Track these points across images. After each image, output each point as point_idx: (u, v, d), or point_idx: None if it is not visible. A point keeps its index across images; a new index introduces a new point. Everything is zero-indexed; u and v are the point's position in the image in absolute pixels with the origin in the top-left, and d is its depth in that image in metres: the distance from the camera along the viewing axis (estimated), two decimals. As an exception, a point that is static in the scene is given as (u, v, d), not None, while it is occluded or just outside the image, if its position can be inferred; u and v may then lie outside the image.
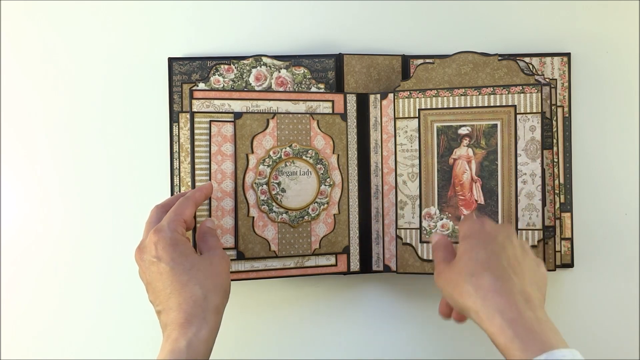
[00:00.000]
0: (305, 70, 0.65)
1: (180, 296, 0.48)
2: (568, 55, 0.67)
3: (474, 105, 0.62)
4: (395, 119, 0.64)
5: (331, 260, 0.63)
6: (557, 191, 0.66)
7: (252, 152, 0.61)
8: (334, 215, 0.63)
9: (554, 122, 0.65)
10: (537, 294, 0.46)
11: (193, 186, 0.60)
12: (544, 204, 0.61)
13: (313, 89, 0.64)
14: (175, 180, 0.65)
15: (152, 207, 0.56)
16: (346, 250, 0.64)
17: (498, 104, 0.61)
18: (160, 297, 0.49)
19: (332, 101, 0.64)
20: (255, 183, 0.61)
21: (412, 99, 0.63)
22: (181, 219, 0.52)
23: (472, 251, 0.48)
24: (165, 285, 0.49)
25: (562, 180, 0.67)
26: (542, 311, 0.45)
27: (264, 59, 0.64)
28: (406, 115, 0.63)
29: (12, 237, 0.67)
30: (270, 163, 0.62)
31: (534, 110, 0.61)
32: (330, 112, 0.64)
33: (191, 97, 0.61)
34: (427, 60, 0.65)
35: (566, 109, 0.67)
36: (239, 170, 0.61)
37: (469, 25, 0.69)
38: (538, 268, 0.49)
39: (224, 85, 0.64)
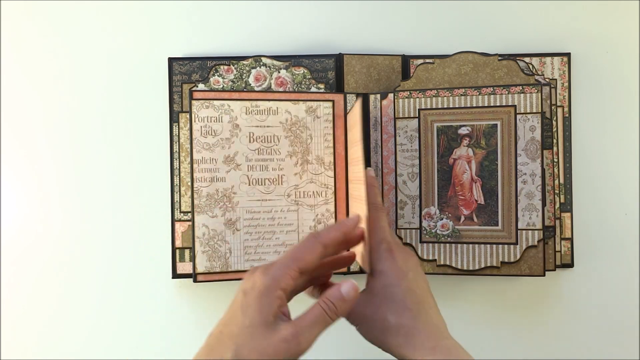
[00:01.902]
0: (305, 71, 0.65)
1: (212, 350, 0.41)
2: (568, 55, 0.67)
3: (474, 105, 0.62)
4: (395, 119, 0.63)
5: (331, 260, 0.63)
6: (557, 191, 0.66)
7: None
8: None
9: (554, 122, 0.65)
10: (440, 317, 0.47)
11: (192, 186, 0.60)
12: (544, 204, 0.61)
13: (313, 89, 0.64)
14: (175, 180, 0.65)
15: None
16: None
17: (498, 104, 0.61)
18: (223, 318, 0.42)
19: (333, 101, 0.64)
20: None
21: (412, 99, 0.63)
22: (295, 269, 0.42)
23: (389, 288, 0.46)
24: (230, 318, 0.41)
25: (562, 180, 0.67)
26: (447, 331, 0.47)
27: (264, 60, 0.64)
28: (406, 115, 0.63)
29: (12, 237, 0.67)
30: (270, 163, 0.62)
31: (534, 110, 0.61)
32: (331, 112, 0.64)
33: (191, 98, 0.61)
34: (427, 60, 0.65)
35: (566, 109, 0.67)
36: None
37: (469, 26, 0.69)
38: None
39: (223, 86, 0.64)
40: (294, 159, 0.63)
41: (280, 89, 0.64)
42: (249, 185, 0.62)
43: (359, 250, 0.49)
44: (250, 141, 0.62)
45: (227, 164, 0.62)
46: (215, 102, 0.62)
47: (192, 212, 0.60)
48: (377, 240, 0.47)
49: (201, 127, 0.61)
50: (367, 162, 0.64)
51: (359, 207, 0.52)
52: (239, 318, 0.40)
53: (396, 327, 0.45)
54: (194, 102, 0.61)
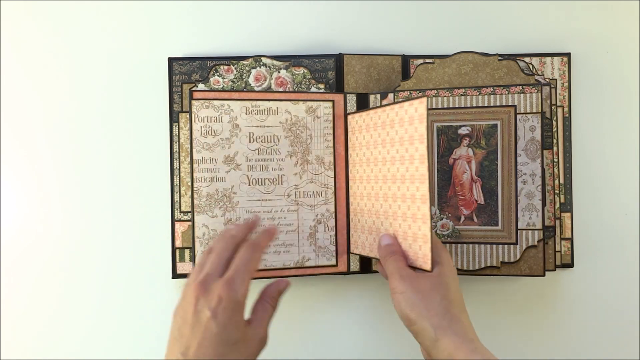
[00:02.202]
0: (305, 71, 0.65)
1: None
2: (568, 55, 0.67)
3: (474, 105, 0.62)
4: (395, 119, 0.63)
5: (331, 260, 0.63)
6: (557, 191, 0.66)
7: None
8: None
9: (554, 122, 0.65)
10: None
11: (192, 186, 0.60)
12: (544, 204, 0.61)
13: (313, 89, 0.64)
14: (175, 180, 0.65)
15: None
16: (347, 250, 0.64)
17: (498, 104, 0.61)
18: (190, 346, 0.47)
19: (332, 101, 0.64)
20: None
21: (412, 99, 0.63)
22: (251, 277, 0.49)
23: (444, 277, 0.52)
24: (202, 342, 0.46)
25: (562, 180, 0.67)
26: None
27: (264, 60, 0.64)
28: (406, 115, 0.63)
29: (12, 237, 0.67)
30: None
31: (534, 110, 0.60)
32: (331, 112, 0.64)
33: (191, 98, 0.61)
34: (427, 60, 0.65)
35: (566, 109, 0.67)
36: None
37: (469, 26, 0.69)
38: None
39: (223, 86, 0.64)
40: (294, 159, 0.63)
41: (280, 89, 0.64)
42: (249, 185, 0.62)
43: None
44: (250, 141, 0.62)
45: (227, 164, 0.62)
46: (215, 102, 0.62)
47: (192, 212, 0.60)
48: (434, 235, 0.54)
49: (201, 127, 0.61)
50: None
51: (403, 205, 0.55)
52: (223, 337, 0.46)
53: (444, 311, 0.49)
54: (194, 102, 0.61)
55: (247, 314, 0.49)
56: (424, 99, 0.51)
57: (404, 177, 0.55)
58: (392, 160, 0.56)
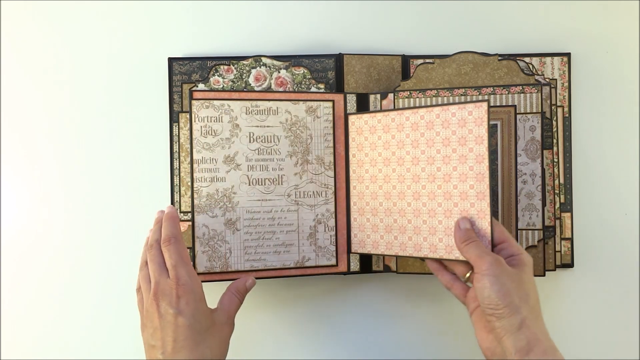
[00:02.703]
0: (305, 71, 0.65)
1: (191, 354, 0.50)
2: (568, 55, 0.67)
3: (460, 102, 0.61)
4: (395, 119, 0.63)
5: (332, 260, 0.63)
6: (557, 191, 0.66)
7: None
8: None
9: (554, 122, 0.65)
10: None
11: (192, 186, 0.60)
12: (544, 204, 0.61)
13: (313, 89, 0.64)
14: (175, 180, 0.65)
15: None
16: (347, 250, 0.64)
17: (498, 104, 0.61)
18: (167, 345, 0.50)
19: (333, 101, 0.64)
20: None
21: (412, 99, 0.63)
22: (191, 265, 0.54)
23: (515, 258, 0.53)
24: (177, 337, 0.50)
25: (562, 181, 0.67)
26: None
27: (264, 60, 0.64)
28: (406, 115, 0.63)
29: (12, 237, 0.67)
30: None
31: (534, 110, 0.61)
32: (331, 112, 0.64)
33: (191, 98, 0.61)
34: (427, 60, 0.65)
35: (566, 109, 0.67)
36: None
37: (469, 26, 0.69)
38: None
39: (223, 86, 0.64)
40: (294, 159, 0.63)
41: (280, 89, 0.64)
42: (249, 185, 0.62)
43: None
44: (250, 141, 0.62)
45: (227, 164, 0.62)
46: (215, 102, 0.61)
47: (192, 212, 0.60)
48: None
49: (201, 127, 0.61)
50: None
51: (447, 203, 0.57)
52: (196, 327, 0.51)
53: (532, 305, 0.50)
54: (194, 102, 0.61)
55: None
56: (483, 104, 0.54)
57: (449, 175, 0.56)
58: (430, 160, 0.57)
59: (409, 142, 0.59)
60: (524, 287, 0.50)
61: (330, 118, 0.64)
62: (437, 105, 0.58)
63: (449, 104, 0.57)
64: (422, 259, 0.63)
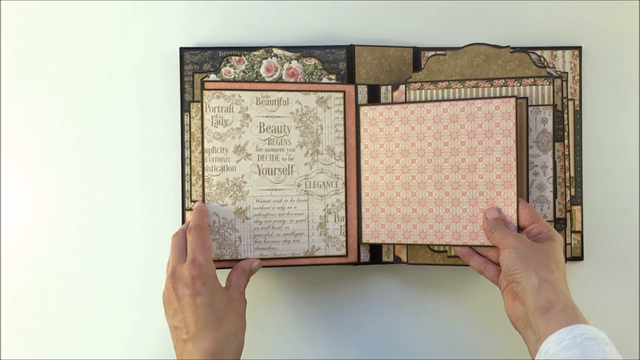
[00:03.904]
0: (316, 61, 0.65)
1: (216, 330, 0.52)
2: (579, 48, 0.67)
3: (486, 96, 0.61)
4: (406, 110, 0.64)
5: (341, 250, 0.63)
6: (567, 184, 0.65)
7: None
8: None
9: (565, 115, 0.65)
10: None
11: (203, 175, 0.60)
12: (555, 196, 0.61)
13: (324, 80, 0.64)
14: (186, 170, 0.65)
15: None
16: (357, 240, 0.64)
17: (510, 96, 0.61)
18: (191, 326, 0.52)
19: (344, 92, 0.64)
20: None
21: (423, 91, 0.63)
22: (209, 252, 0.56)
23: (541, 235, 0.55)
24: (198, 317, 0.52)
25: (572, 173, 0.67)
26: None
27: (275, 50, 0.64)
28: (417, 107, 0.63)
29: (16, 229, 0.67)
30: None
31: (546, 103, 0.60)
32: (342, 102, 0.64)
33: (202, 88, 0.61)
34: (439, 52, 0.65)
35: (577, 103, 0.67)
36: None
37: (480, 19, 0.69)
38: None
39: (234, 77, 0.64)
40: (304, 149, 0.63)
41: (291, 80, 0.64)
42: (259, 174, 0.62)
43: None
44: (260, 131, 0.62)
45: (237, 154, 0.62)
46: (226, 93, 0.62)
47: (203, 200, 0.60)
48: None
49: (212, 117, 0.61)
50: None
51: (471, 192, 0.59)
52: (216, 305, 0.54)
53: (552, 269, 0.52)
54: (205, 92, 0.61)
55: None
56: (511, 100, 0.57)
57: (474, 166, 0.59)
58: (454, 151, 0.60)
59: (431, 134, 0.61)
60: (545, 255, 0.52)
61: (341, 109, 0.64)
62: (461, 99, 0.60)
63: (474, 98, 0.59)
64: (441, 248, 0.63)
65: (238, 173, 0.62)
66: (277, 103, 0.63)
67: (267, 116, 0.62)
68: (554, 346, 0.46)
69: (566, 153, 0.66)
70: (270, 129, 0.62)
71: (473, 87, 0.62)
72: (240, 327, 0.55)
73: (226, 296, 0.55)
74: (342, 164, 0.64)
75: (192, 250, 0.55)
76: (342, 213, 0.64)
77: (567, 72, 0.67)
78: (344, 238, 0.64)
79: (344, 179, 0.64)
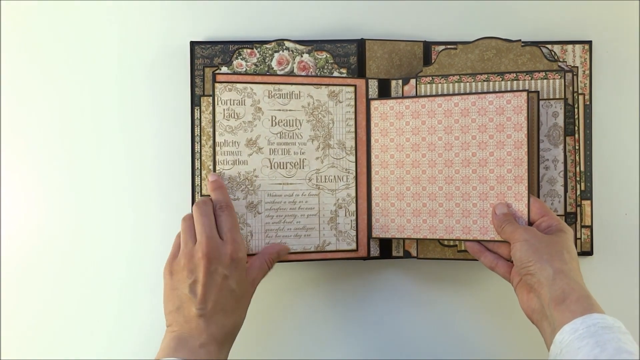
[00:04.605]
0: (328, 55, 0.65)
1: (226, 318, 0.53)
2: (589, 43, 0.67)
3: (497, 90, 0.61)
4: (417, 104, 0.64)
5: (352, 245, 0.64)
6: (578, 178, 0.66)
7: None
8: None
9: (576, 110, 0.65)
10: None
11: (214, 169, 0.60)
12: (565, 190, 0.61)
13: (335, 74, 0.64)
14: (196, 164, 0.65)
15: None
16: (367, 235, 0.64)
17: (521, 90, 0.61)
18: (209, 304, 0.52)
19: (355, 86, 0.64)
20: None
21: (434, 85, 0.63)
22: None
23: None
24: (219, 299, 0.53)
25: (582, 168, 0.67)
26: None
27: (287, 44, 0.64)
28: (428, 101, 0.63)
29: (20, 223, 0.67)
30: (293, 147, 0.63)
31: (557, 97, 0.60)
32: (353, 96, 0.64)
33: (214, 81, 0.61)
34: (450, 46, 0.65)
35: (587, 97, 0.67)
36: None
37: (490, 13, 0.69)
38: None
39: (246, 69, 0.64)
40: (316, 143, 0.63)
41: (303, 73, 0.64)
42: (271, 168, 0.62)
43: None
44: (272, 125, 0.62)
45: (249, 147, 0.62)
46: (238, 85, 0.62)
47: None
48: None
49: (224, 110, 0.61)
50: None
51: (482, 187, 0.59)
52: (238, 292, 0.54)
53: (565, 260, 0.52)
54: (217, 84, 0.61)
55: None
56: (523, 93, 0.58)
57: (484, 160, 0.59)
58: (464, 145, 0.60)
59: (442, 128, 0.60)
60: (557, 247, 0.52)
61: (352, 103, 0.64)
62: (472, 93, 0.60)
63: (485, 92, 0.59)
64: (451, 243, 0.63)
65: (250, 167, 0.62)
66: (289, 96, 0.63)
67: (279, 109, 0.62)
68: (568, 336, 0.46)
69: (577, 147, 0.66)
70: (282, 123, 0.62)
71: (484, 80, 0.62)
72: (243, 318, 0.56)
73: (246, 285, 0.55)
74: (352, 158, 0.64)
75: (229, 229, 0.55)
76: (352, 207, 0.64)
77: (577, 67, 0.67)
78: (354, 232, 0.64)
79: (354, 173, 0.64)
